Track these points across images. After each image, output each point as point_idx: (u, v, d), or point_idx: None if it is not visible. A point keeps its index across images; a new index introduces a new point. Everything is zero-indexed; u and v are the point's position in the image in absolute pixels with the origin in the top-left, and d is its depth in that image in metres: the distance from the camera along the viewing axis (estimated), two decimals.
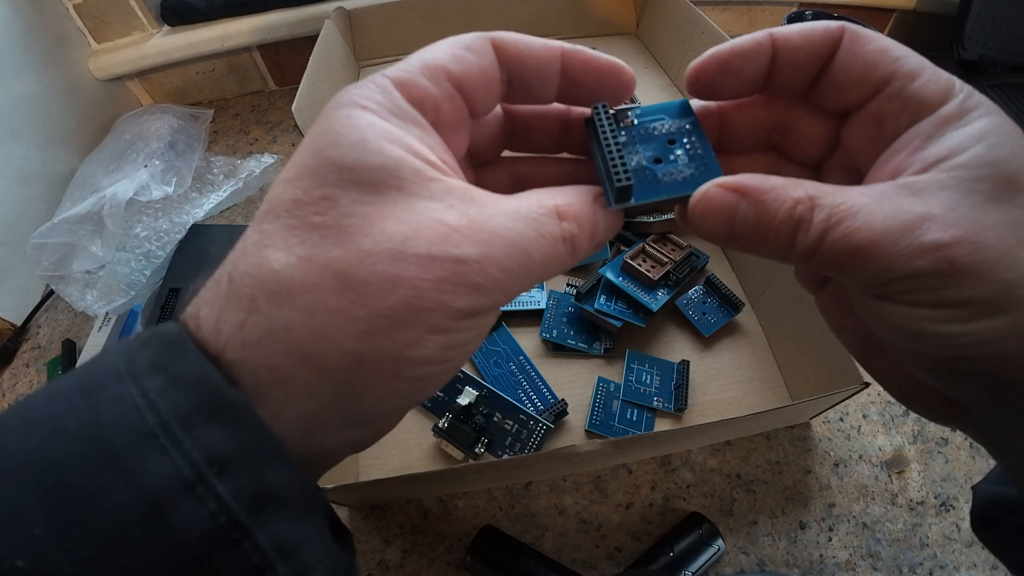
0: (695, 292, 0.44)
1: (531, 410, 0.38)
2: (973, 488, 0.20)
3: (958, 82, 0.16)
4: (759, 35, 0.16)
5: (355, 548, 0.16)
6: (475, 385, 0.37)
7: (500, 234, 0.14)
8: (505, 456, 0.36)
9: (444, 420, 0.36)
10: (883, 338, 0.16)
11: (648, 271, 0.41)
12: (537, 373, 0.41)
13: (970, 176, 0.14)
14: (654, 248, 0.43)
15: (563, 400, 0.39)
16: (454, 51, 0.15)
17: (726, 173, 0.16)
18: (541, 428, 0.36)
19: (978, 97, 0.15)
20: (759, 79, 0.16)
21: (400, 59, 0.15)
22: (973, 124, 0.15)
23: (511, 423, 0.36)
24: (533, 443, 0.36)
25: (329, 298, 0.12)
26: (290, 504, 0.12)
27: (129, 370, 0.12)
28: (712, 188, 0.15)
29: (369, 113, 0.14)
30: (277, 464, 0.12)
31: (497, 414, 0.37)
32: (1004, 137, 0.14)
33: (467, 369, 0.42)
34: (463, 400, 0.36)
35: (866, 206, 0.14)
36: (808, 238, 0.14)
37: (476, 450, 0.36)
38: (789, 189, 0.14)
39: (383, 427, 0.15)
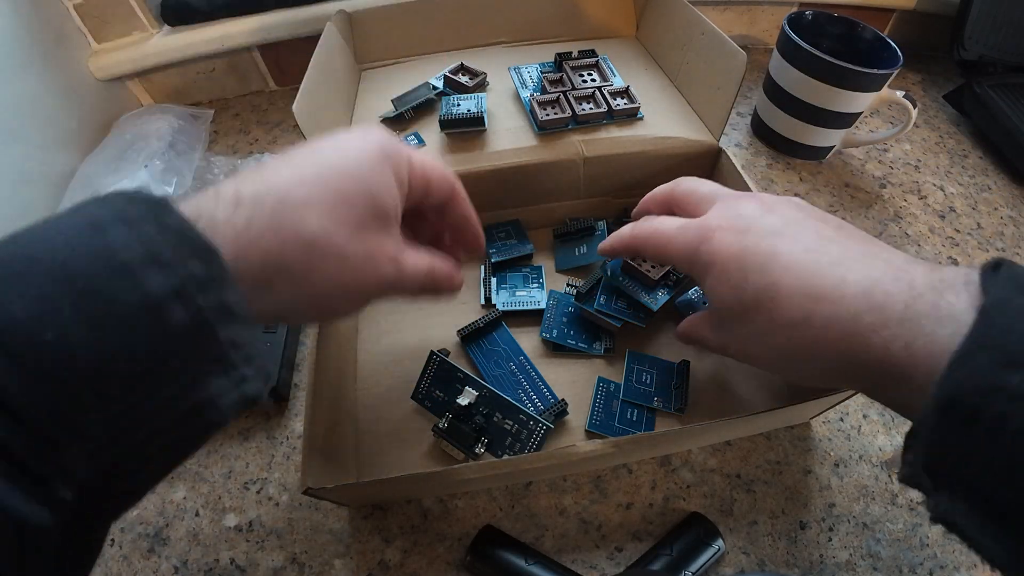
0: (695, 293, 0.44)
1: (531, 410, 0.38)
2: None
3: (693, 250, 0.30)
4: (644, 202, 0.38)
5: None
6: (475, 385, 0.37)
7: (409, 270, 0.26)
8: (505, 456, 0.36)
9: (444, 420, 0.36)
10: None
11: (648, 271, 0.41)
12: (537, 373, 0.41)
13: (717, 315, 0.30)
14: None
15: (563, 400, 0.39)
16: (440, 175, 0.28)
17: None
18: (541, 428, 0.36)
19: (708, 264, 0.29)
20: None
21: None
22: (707, 283, 0.29)
23: (511, 423, 0.36)
24: (533, 443, 0.36)
25: (328, 263, 0.22)
26: (240, 317, 0.18)
27: (125, 217, 0.16)
28: (603, 243, 0.36)
29: (391, 176, 0.24)
30: (233, 290, 0.18)
31: (497, 414, 0.36)
32: (721, 290, 0.28)
33: (467, 369, 0.42)
34: (463, 400, 0.36)
35: (692, 325, 0.34)
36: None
37: (476, 450, 0.36)
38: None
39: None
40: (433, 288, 0.29)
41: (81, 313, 0.15)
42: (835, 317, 0.23)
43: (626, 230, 0.34)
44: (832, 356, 0.24)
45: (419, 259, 0.27)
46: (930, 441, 0.20)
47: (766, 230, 0.26)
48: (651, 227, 0.32)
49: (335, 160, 0.23)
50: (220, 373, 0.17)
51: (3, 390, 0.14)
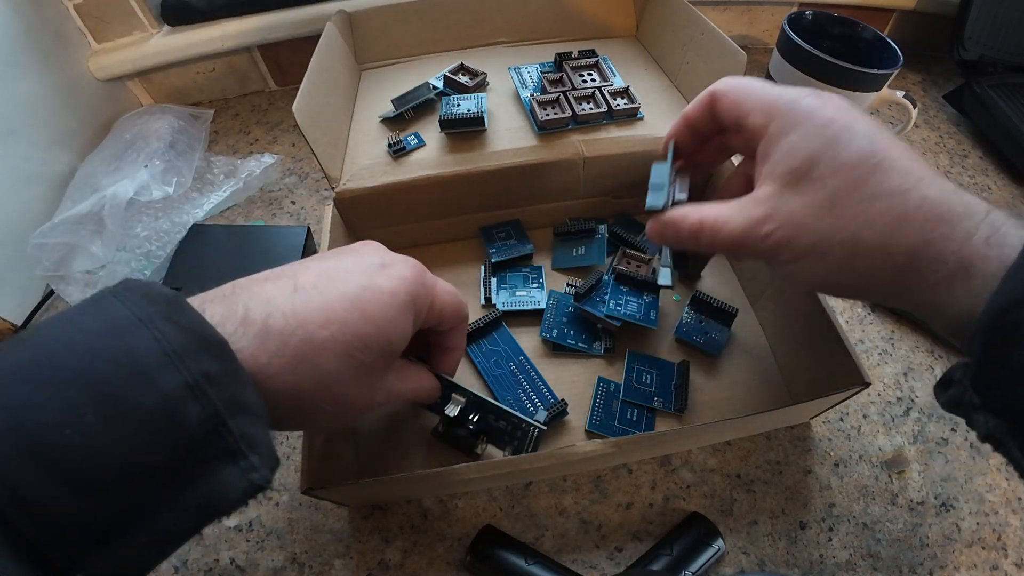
0: (688, 316, 0.44)
1: (528, 408, 0.38)
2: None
3: (779, 106, 0.26)
4: (678, 121, 0.32)
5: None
6: (462, 392, 0.34)
7: (400, 393, 0.29)
8: (507, 451, 0.36)
9: (441, 425, 0.36)
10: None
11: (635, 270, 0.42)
12: (537, 373, 0.41)
13: (781, 178, 0.25)
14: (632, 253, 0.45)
15: (563, 400, 0.39)
16: (455, 312, 0.31)
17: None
18: (533, 431, 0.35)
19: (796, 114, 0.25)
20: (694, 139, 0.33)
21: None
22: (784, 140, 0.25)
23: (504, 423, 0.35)
24: (528, 445, 0.35)
25: (333, 396, 0.24)
26: (253, 413, 0.19)
27: (146, 319, 0.18)
28: (650, 222, 0.31)
29: (411, 319, 0.27)
30: (245, 386, 0.19)
31: (490, 416, 0.35)
32: (802, 142, 0.25)
33: (467, 366, 0.42)
34: (450, 411, 0.34)
35: (732, 218, 0.26)
36: (702, 240, 0.28)
37: (477, 451, 0.36)
38: (688, 217, 0.28)
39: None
40: (412, 401, 0.33)
41: (104, 418, 0.16)
42: (933, 199, 0.22)
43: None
44: (910, 240, 0.23)
45: (406, 386, 0.29)
46: (982, 353, 0.21)
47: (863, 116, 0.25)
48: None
49: (365, 303, 0.24)
50: (230, 465, 0.18)
51: (31, 490, 0.15)
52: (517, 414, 0.35)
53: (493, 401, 0.35)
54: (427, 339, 0.33)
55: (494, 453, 0.37)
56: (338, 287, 0.24)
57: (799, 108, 0.25)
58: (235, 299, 0.22)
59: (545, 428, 0.35)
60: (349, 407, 0.25)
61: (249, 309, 0.21)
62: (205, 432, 0.17)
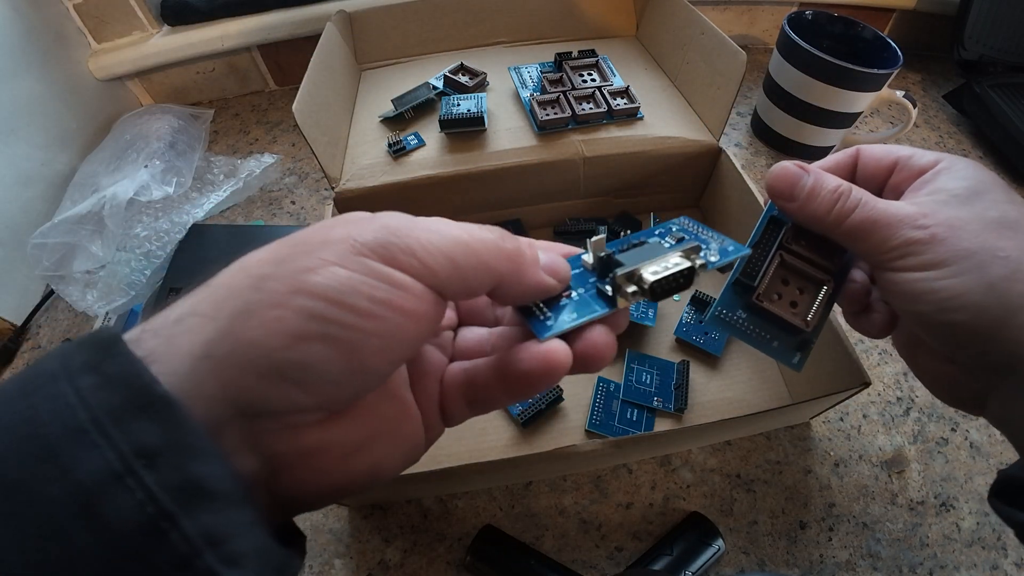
0: (687, 315, 0.43)
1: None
2: (1000, 472, 0.23)
3: (939, 155, 0.24)
4: (828, 164, 0.26)
5: (304, 549, 0.17)
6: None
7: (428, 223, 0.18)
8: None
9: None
10: (898, 309, 0.23)
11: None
12: None
13: (947, 193, 0.22)
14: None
15: (558, 386, 0.39)
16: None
17: None
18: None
19: (956, 161, 0.23)
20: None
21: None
22: (950, 171, 0.23)
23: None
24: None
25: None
26: (219, 496, 0.13)
27: (65, 370, 0.12)
28: (787, 163, 0.24)
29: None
30: (205, 457, 0.13)
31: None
32: (969, 174, 0.22)
33: None
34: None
35: (885, 202, 0.22)
36: (845, 206, 0.22)
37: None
38: (836, 178, 0.23)
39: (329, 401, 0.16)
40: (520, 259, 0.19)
41: (7, 517, 0.11)
42: None
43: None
44: None
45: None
46: None
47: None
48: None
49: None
50: None
51: None
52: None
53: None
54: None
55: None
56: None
57: (958, 161, 0.24)
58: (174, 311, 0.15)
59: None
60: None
61: (179, 311, 0.15)
62: (145, 537, 0.12)
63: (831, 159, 0.26)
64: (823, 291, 0.25)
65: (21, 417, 0.12)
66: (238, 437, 0.14)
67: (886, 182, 0.25)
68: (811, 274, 0.25)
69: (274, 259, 0.15)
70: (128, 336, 0.14)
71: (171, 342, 0.14)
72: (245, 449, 0.14)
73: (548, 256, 0.19)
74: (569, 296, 0.20)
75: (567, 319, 0.19)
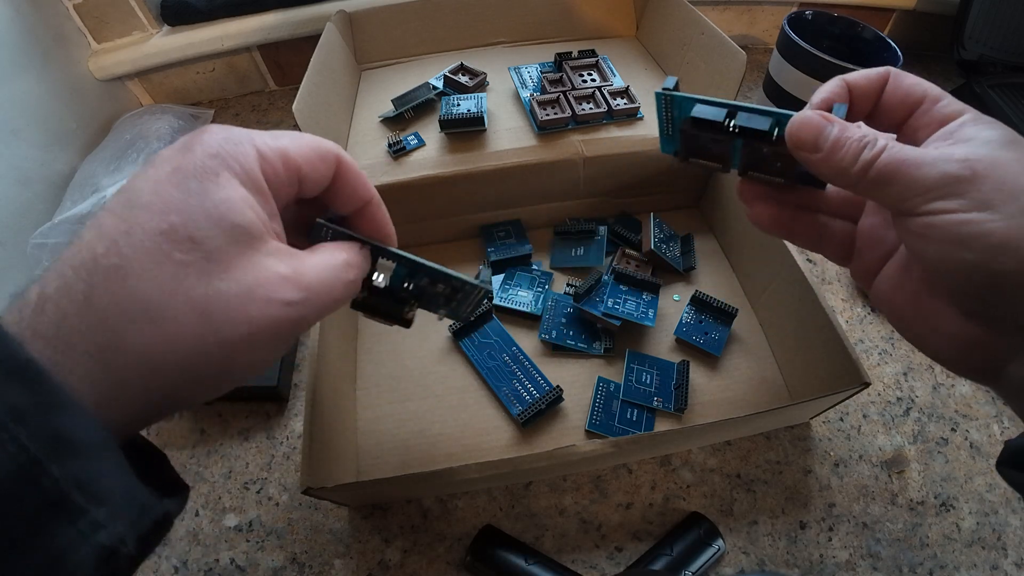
0: (687, 315, 0.44)
1: (527, 398, 0.38)
2: (1006, 443, 0.22)
3: (967, 107, 0.22)
4: (837, 82, 0.24)
5: (185, 497, 0.19)
6: (390, 255, 0.25)
7: (315, 281, 0.19)
8: (440, 317, 0.29)
9: (361, 294, 0.26)
10: (927, 258, 0.20)
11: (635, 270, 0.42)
12: (531, 363, 0.41)
13: (981, 140, 0.20)
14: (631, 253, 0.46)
15: (558, 387, 0.39)
16: (309, 154, 0.21)
17: None
18: (478, 292, 0.27)
19: (982, 116, 0.21)
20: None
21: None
22: (978, 123, 0.21)
23: (443, 286, 0.27)
24: (469, 308, 0.28)
25: (189, 327, 0.16)
26: (84, 445, 0.14)
27: None
28: (811, 112, 0.22)
29: (236, 181, 0.18)
30: (70, 413, 0.14)
31: (426, 280, 0.27)
32: (999, 125, 0.20)
33: (461, 359, 0.42)
34: (378, 280, 0.25)
35: (914, 148, 0.20)
36: (872, 152, 0.20)
37: (407, 316, 0.27)
38: (862, 127, 0.21)
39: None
40: (340, 292, 0.21)
41: None
42: None
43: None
44: None
45: (312, 260, 0.20)
46: None
47: None
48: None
49: (148, 195, 0.17)
50: (64, 522, 0.14)
51: None
52: (460, 275, 0.26)
53: (430, 263, 0.26)
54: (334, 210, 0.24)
55: (426, 316, 0.28)
56: (111, 205, 0.17)
57: (985, 116, 0.22)
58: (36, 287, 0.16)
59: (491, 291, 0.29)
60: (232, 320, 0.17)
61: (26, 293, 0.16)
62: (19, 483, 0.13)
63: (860, 74, 0.24)
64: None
65: None
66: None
67: (906, 120, 0.23)
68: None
69: (206, 354, 0.17)
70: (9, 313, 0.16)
71: (102, 401, 0.16)
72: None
73: None
74: None
75: None
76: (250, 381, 0.39)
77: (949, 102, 0.22)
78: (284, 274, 0.18)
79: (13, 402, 0.14)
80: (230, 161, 0.18)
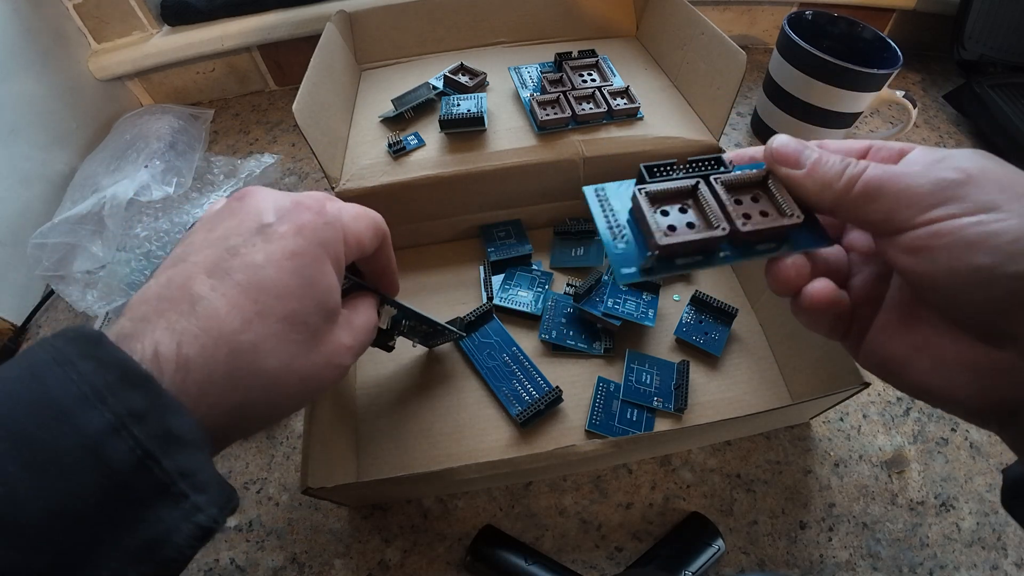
0: (687, 315, 0.44)
1: (527, 399, 0.39)
2: (1004, 470, 0.20)
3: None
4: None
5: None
6: (390, 303, 0.31)
7: (359, 346, 0.26)
8: (414, 345, 0.36)
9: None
10: (933, 273, 0.18)
11: None
12: (531, 363, 0.41)
13: (963, 155, 0.18)
14: None
15: (557, 387, 0.39)
16: (371, 235, 0.26)
17: None
18: (453, 336, 0.36)
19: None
20: None
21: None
22: (947, 148, 0.20)
23: (428, 327, 0.36)
24: (441, 343, 0.37)
25: (293, 391, 0.22)
26: (188, 444, 0.17)
27: (62, 358, 0.17)
28: (787, 136, 0.21)
29: (333, 269, 0.23)
30: (178, 416, 0.17)
31: (415, 322, 0.35)
32: (973, 149, 0.19)
33: (460, 358, 0.42)
34: (381, 323, 0.30)
35: (892, 165, 0.19)
36: (856, 168, 0.19)
37: (390, 344, 0.35)
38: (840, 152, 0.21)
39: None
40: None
41: (25, 465, 0.15)
42: None
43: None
44: None
45: (360, 325, 0.26)
46: None
47: None
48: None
49: (274, 279, 0.21)
50: (170, 505, 0.17)
51: None
52: (443, 323, 0.37)
53: (421, 312, 0.34)
54: (356, 266, 0.29)
55: (404, 342, 0.38)
56: (236, 277, 0.21)
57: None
58: (142, 335, 0.19)
59: (464, 336, 0.36)
60: (317, 382, 0.23)
61: (158, 343, 0.19)
62: (136, 472, 0.16)
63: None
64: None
65: (35, 392, 0.16)
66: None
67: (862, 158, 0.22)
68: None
69: (289, 400, 0.22)
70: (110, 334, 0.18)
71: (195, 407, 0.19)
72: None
73: None
74: None
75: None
76: None
77: (898, 143, 0.21)
78: (348, 344, 0.24)
79: (133, 406, 0.16)
80: (330, 250, 0.23)
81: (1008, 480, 0.19)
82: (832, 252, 0.23)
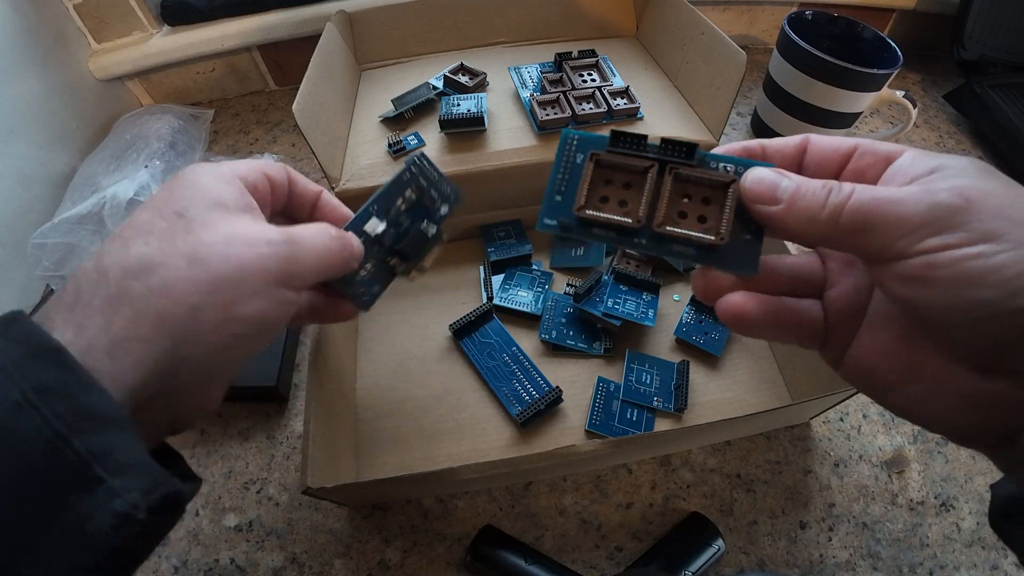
0: (687, 315, 0.44)
1: (518, 403, 0.39)
2: (992, 486, 0.19)
3: (906, 146, 0.20)
4: (752, 143, 0.21)
5: (196, 484, 0.20)
6: (364, 212, 0.27)
7: (301, 233, 0.22)
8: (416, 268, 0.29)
9: (366, 266, 0.27)
10: (929, 305, 0.16)
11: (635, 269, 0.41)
12: (531, 363, 0.41)
13: (953, 169, 0.17)
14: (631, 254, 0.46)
15: (557, 387, 0.39)
16: (267, 167, 0.24)
17: None
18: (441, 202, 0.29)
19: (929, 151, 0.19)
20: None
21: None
22: (944, 155, 0.18)
23: (409, 192, 0.28)
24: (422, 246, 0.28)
25: (182, 270, 0.18)
26: (104, 422, 0.16)
27: None
28: (761, 168, 0.20)
29: (212, 178, 0.22)
30: (92, 392, 0.16)
31: (397, 200, 0.28)
32: (970, 157, 0.18)
33: (460, 358, 0.42)
34: (377, 229, 0.27)
35: (884, 187, 0.18)
36: (840, 196, 0.17)
37: (389, 261, 0.29)
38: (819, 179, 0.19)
39: (211, 385, 0.22)
40: (349, 255, 0.24)
41: None
42: None
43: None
44: None
45: (309, 226, 0.23)
46: None
47: None
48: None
49: (164, 197, 0.20)
50: (85, 489, 0.15)
51: None
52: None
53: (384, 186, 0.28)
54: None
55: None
56: (142, 230, 0.20)
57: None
58: (70, 309, 0.18)
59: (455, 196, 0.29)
60: (220, 263, 0.19)
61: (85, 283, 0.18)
62: (46, 454, 0.15)
63: (777, 141, 0.21)
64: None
65: None
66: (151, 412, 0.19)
67: (843, 167, 0.20)
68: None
69: (200, 290, 0.19)
70: (61, 342, 0.17)
71: (116, 362, 0.17)
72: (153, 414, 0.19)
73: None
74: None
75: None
76: (250, 381, 0.40)
77: (884, 144, 0.20)
78: (266, 227, 0.21)
79: (40, 380, 0.15)
80: (205, 168, 0.22)
81: (997, 499, 0.18)
82: (804, 262, 0.22)
